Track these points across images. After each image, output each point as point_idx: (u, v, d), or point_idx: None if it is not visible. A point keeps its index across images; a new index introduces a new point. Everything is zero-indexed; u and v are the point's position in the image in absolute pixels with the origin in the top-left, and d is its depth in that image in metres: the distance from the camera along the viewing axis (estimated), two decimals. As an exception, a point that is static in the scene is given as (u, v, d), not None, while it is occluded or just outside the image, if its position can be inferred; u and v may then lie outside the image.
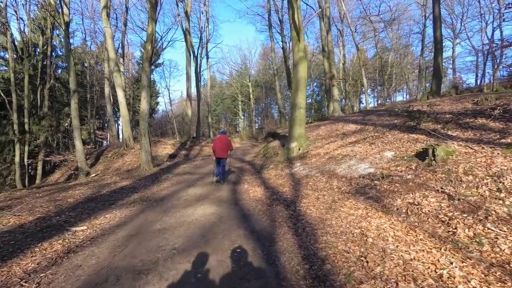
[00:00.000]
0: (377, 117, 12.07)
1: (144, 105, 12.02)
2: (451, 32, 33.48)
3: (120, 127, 27.54)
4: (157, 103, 44.08)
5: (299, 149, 10.31)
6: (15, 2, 23.04)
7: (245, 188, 7.40)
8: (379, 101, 41.12)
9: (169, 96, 72.62)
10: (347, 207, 5.08)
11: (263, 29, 40.58)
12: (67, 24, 14.83)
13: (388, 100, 32.50)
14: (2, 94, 22.86)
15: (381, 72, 28.66)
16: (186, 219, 5.00)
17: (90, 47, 30.22)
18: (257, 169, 10.44)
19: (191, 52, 21.48)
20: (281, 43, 27.11)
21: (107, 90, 21.72)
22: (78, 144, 14.74)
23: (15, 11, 23.07)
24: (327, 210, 5.07)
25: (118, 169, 14.81)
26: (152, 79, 38.29)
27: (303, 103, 10.67)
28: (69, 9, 15.07)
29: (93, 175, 13.26)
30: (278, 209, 5.28)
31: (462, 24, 30.96)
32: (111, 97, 21.65)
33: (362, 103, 43.52)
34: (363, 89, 41.74)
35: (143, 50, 34.96)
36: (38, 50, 25.19)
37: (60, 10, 14.72)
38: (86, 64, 30.84)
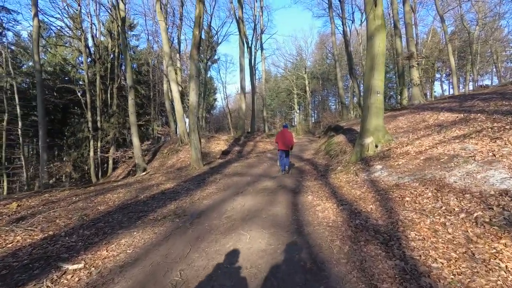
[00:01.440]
0: (483, 102, 8.68)
1: (192, 97, 10.62)
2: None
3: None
4: (215, 99, 44.12)
5: (377, 146, 7.70)
6: (88, 9, 24.17)
7: (309, 201, 5.24)
8: (464, 87, 34.46)
9: (225, 91, 73.29)
10: (507, 258, 2.62)
11: (320, 14, 37.16)
12: (123, 20, 14.32)
13: (472, 86, 26.45)
14: (79, 95, 24.44)
15: (469, 49, 23.10)
16: (221, 260, 3.10)
17: (153, 47, 30.85)
18: (321, 172, 8.15)
19: (244, 42, 19.82)
20: (341, 27, 23.75)
21: (165, 86, 21.45)
22: (135, 140, 14.24)
23: (89, 17, 24.25)
24: (467, 262, 2.68)
25: (171, 166, 13.94)
26: (209, 75, 38.06)
27: (381, 85, 7.98)
28: (125, 4, 14.56)
29: (144, 173, 12.48)
30: (372, 253, 3.04)
31: None
32: (170, 93, 21.29)
33: (435, 92, 37.04)
34: (439, 74, 35.37)
35: (200, 47, 34.74)
36: (108, 52, 26.37)
37: (116, 5, 14.26)
38: (153, 62, 31.77)
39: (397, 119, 10.55)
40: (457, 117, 7.95)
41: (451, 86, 40.16)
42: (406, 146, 7.06)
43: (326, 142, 13.36)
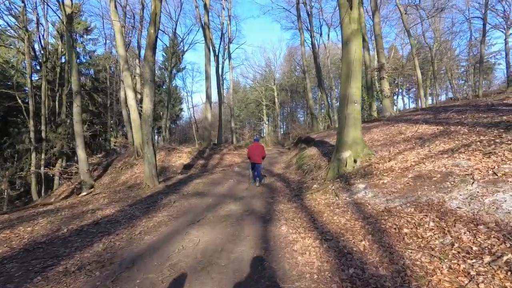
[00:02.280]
0: (458, 115, 8.36)
1: (147, 104, 9.16)
2: (503, 21, 28.37)
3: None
4: (181, 109, 42.14)
5: (355, 161, 6.86)
6: (35, 5, 21.53)
7: (284, 235, 4.10)
8: (419, 103, 36.32)
9: (191, 101, 71.29)
10: None
11: (288, 27, 37.40)
12: (69, 17, 12.49)
13: (432, 100, 27.80)
14: (20, 102, 21.42)
15: (431, 65, 24.16)
16: None
17: (111, 52, 28.53)
18: (295, 190, 7.10)
19: (211, 49, 18.72)
20: (310, 39, 23.68)
21: (122, 93, 19.45)
22: (80, 153, 12.24)
23: (36, 17, 21.61)
24: None
25: (124, 183, 12.12)
26: (174, 84, 36.26)
27: (359, 94, 7.26)
28: (71, 0, 12.78)
29: (85, 193, 10.58)
30: None
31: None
32: (127, 101, 19.35)
33: (396, 105, 38.66)
34: (400, 89, 37.00)
35: (165, 55, 33.04)
36: (58, 56, 23.69)
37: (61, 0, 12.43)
38: (112, 69, 29.30)
39: (372, 131, 9.99)
40: (437, 129, 7.43)
41: (411, 100, 42.44)
42: (388, 161, 6.29)
43: (297, 155, 12.50)
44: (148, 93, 9.18)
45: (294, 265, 3.13)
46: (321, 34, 29.56)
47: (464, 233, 3.24)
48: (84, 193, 10.36)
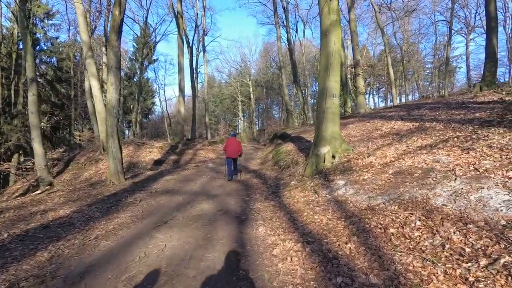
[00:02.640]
0: (432, 112, 8.43)
1: (111, 94, 8.29)
2: (464, 27, 30.02)
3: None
4: (153, 103, 40.29)
5: (334, 157, 6.61)
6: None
7: (262, 237, 3.68)
8: (388, 101, 37.62)
9: (164, 95, 68.97)
10: None
11: (264, 22, 36.92)
12: (23, -5, 11.08)
13: (402, 99, 28.86)
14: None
15: (402, 65, 24.92)
16: None
17: (76, 39, 26.33)
18: (272, 187, 6.72)
19: (184, 40, 17.77)
20: (286, 35, 23.41)
21: (87, 83, 17.94)
22: (37, 147, 10.96)
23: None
24: None
25: (87, 180, 11.09)
26: (146, 77, 34.49)
27: (337, 87, 7.01)
28: (25, -24, 11.35)
29: (39, 191, 9.48)
30: None
31: (479, 17, 27.39)
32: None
33: (367, 104, 39.79)
34: (370, 88, 38.07)
35: (135, 45, 31.24)
36: (14, 40, 21.35)
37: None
38: (77, 58, 27.06)
39: (348, 127, 9.87)
40: (412, 125, 7.39)
41: (380, 100, 43.95)
42: (368, 157, 6.08)
43: (273, 151, 12.16)
44: (113, 82, 8.30)
45: (275, 274, 2.71)
46: (296, 31, 29.46)
47: (454, 232, 3.00)
48: (38, 191, 9.25)
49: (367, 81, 33.12)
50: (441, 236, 3.03)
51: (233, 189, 7.01)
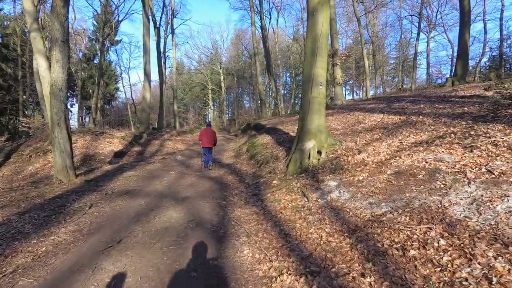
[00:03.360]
0: (413, 105, 8.02)
1: (57, 73, 6.68)
2: (427, 25, 31.03)
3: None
4: (117, 89, 36.92)
5: (320, 153, 5.84)
6: None
7: (248, 264, 2.76)
8: (355, 94, 38.34)
9: (129, 80, 63.96)
10: None
11: (237, 7, 35.13)
12: None
13: (370, 93, 29.34)
14: None
15: (373, 59, 25.03)
16: None
17: (23, 13, 22.67)
18: (251, 187, 5.79)
19: (150, 19, 15.84)
20: (260, 22, 22.20)
21: (35, 63, 15.34)
22: (-36, 136, 8.91)
23: None
24: None
25: (32, 175, 9.31)
26: (108, 60, 31.27)
27: (324, 75, 6.20)
28: None
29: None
30: None
31: (440, 16, 28.37)
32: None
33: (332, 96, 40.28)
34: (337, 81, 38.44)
35: (96, 23, 27.94)
36: None
37: None
38: (27, 35, 23.36)
39: (328, 119, 9.20)
40: (398, 119, 6.87)
41: (347, 92, 44.65)
42: (358, 153, 5.39)
43: (248, 143, 11.22)
44: (59, 58, 6.67)
45: None
46: (270, 19, 28.35)
47: (495, 258, 2.32)
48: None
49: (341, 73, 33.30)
50: (479, 263, 2.33)
51: (206, 188, 5.98)
